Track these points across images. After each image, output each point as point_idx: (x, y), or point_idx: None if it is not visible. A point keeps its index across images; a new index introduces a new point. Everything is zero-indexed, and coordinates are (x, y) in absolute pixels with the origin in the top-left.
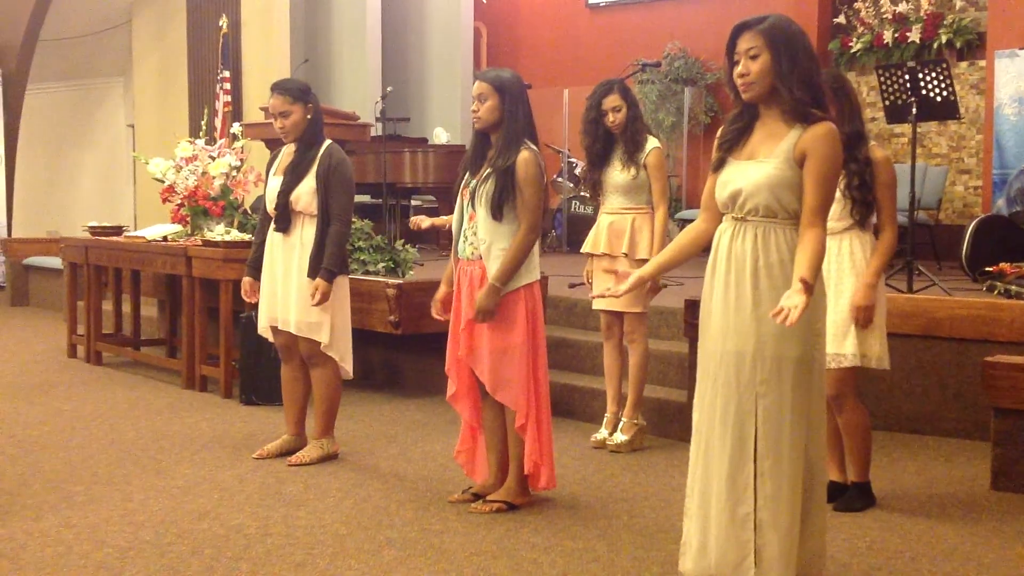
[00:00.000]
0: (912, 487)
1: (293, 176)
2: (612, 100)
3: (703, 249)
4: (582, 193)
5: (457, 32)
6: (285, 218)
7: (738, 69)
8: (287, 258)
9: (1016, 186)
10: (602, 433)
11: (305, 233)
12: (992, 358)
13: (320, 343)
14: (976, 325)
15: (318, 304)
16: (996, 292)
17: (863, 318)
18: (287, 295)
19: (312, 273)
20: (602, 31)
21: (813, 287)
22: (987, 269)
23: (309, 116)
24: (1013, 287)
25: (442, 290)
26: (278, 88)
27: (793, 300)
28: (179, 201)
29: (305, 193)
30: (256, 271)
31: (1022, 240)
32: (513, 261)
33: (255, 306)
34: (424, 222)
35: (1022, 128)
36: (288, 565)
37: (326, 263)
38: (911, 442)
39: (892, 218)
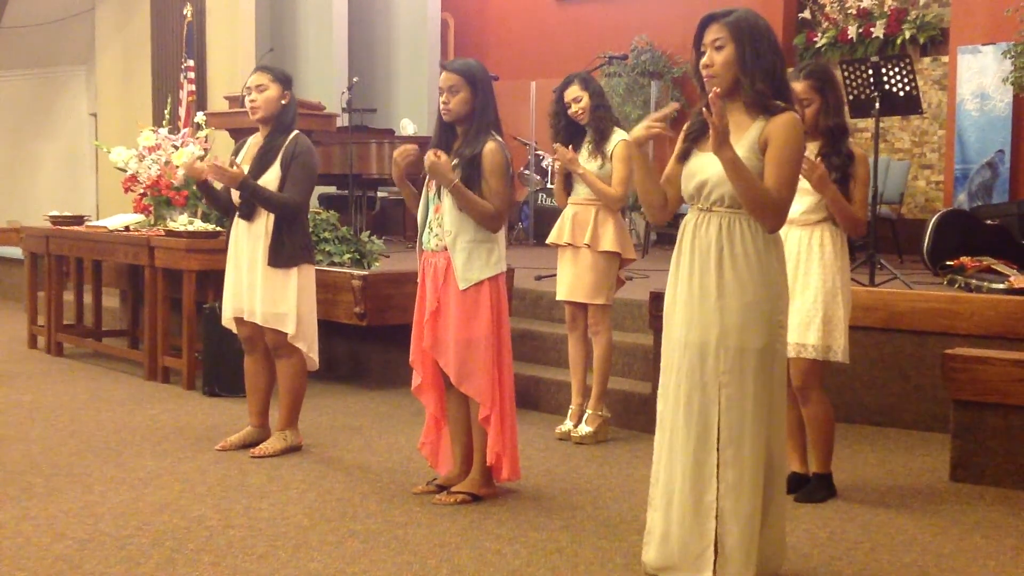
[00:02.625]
0: (872, 478)
1: (259, 164)
2: (571, 91)
3: (659, 202)
4: (548, 186)
5: (424, 23)
6: (250, 206)
7: (704, 60)
8: (252, 248)
9: (977, 181)
10: (567, 425)
11: (270, 222)
12: (952, 351)
13: (286, 334)
14: (936, 318)
15: (208, 170)
16: (957, 286)
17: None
18: (252, 286)
19: (273, 261)
20: (570, 24)
21: (736, 160)
22: (948, 263)
23: (284, 102)
24: (973, 281)
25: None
26: (262, 67)
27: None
28: (141, 191)
29: (270, 182)
30: (210, 189)
31: (983, 234)
32: (474, 207)
33: (219, 296)
34: (411, 149)
35: (984, 123)
36: (250, 557)
37: (261, 188)
38: (872, 434)
39: (864, 216)
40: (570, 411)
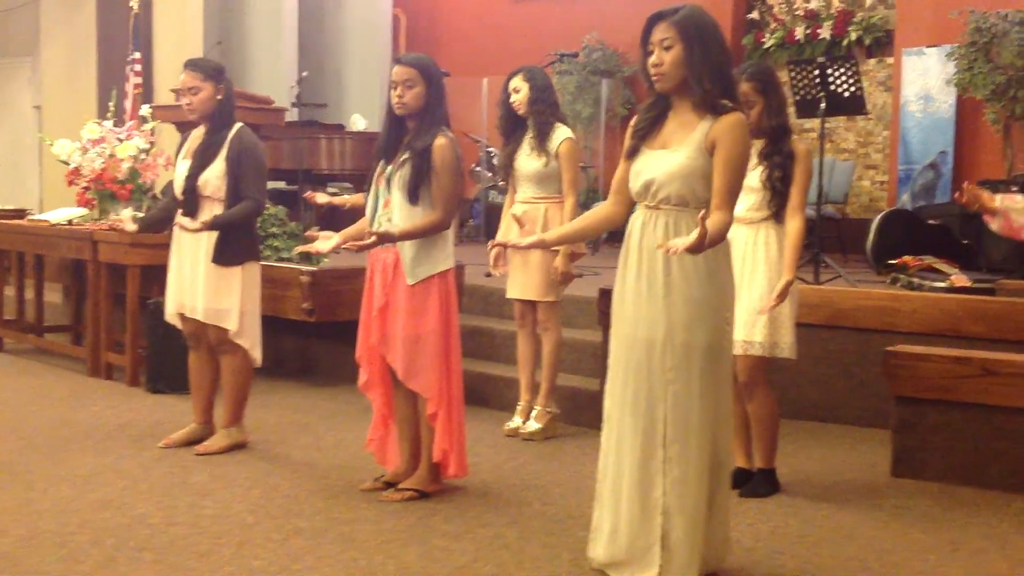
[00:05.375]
0: (815, 473)
1: (201, 160)
2: (513, 82)
3: (607, 230)
4: (499, 183)
5: (376, 18)
6: (193, 202)
7: (652, 59)
8: (195, 244)
9: (920, 181)
10: (515, 421)
11: None
12: (894, 348)
13: (229, 331)
14: (879, 316)
15: (191, 229)
16: (899, 284)
17: (773, 304)
18: (195, 282)
19: (218, 259)
20: (522, 21)
21: (705, 239)
22: (891, 262)
23: (220, 97)
24: (915, 279)
25: (334, 237)
26: (190, 65)
27: (684, 240)
28: (85, 184)
29: (214, 177)
30: (142, 222)
31: (925, 234)
32: (419, 229)
33: (163, 292)
34: (320, 198)
35: (927, 125)
36: (193, 555)
37: (220, 215)
38: (816, 430)
39: (802, 205)
40: (519, 407)
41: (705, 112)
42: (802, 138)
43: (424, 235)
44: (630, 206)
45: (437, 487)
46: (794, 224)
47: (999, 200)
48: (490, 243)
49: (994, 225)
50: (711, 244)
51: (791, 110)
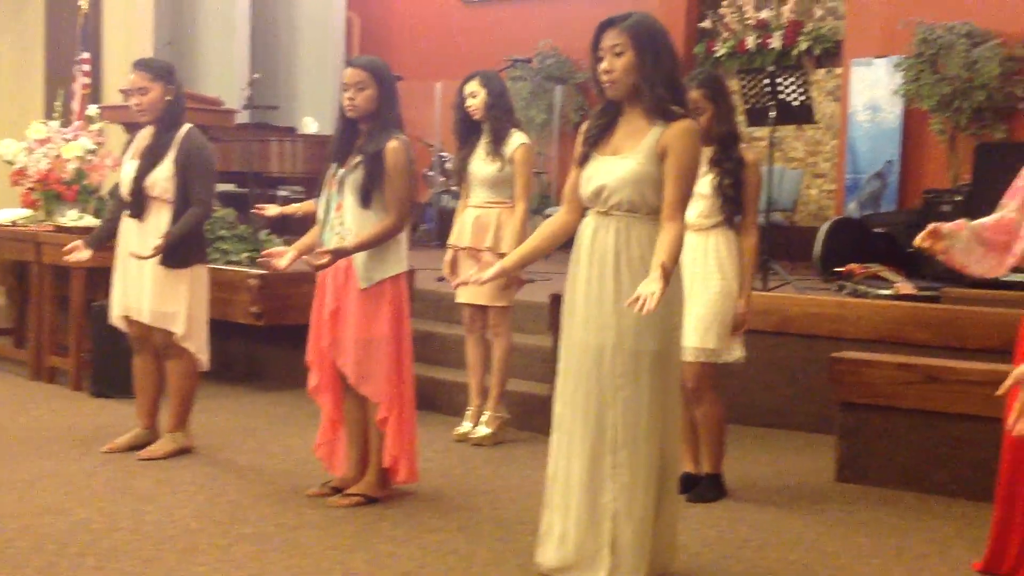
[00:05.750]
0: (762, 478)
1: (149, 160)
2: (470, 86)
3: (564, 241)
4: (452, 187)
5: (329, 21)
6: (139, 203)
7: (603, 65)
8: (141, 245)
9: (867, 190)
10: (465, 426)
11: (160, 220)
12: (839, 354)
13: (175, 334)
14: (826, 323)
15: (145, 256)
16: (845, 291)
17: (747, 324)
18: (140, 284)
19: (165, 261)
20: (476, 26)
21: (671, 274)
22: (838, 269)
23: (169, 98)
24: (861, 287)
25: (290, 251)
26: (140, 65)
27: (650, 287)
28: (30, 185)
29: (162, 179)
30: (93, 242)
31: (872, 242)
32: (373, 238)
33: (108, 295)
34: (270, 211)
35: (875, 134)
36: (136, 560)
37: (173, 229)
38: (763, 435)
39: (755, 222)
40: (468, 412)
41: (656, 118)
42: (751, 146)
43: (379, 242)
44: (583, 213)
45: (385, 492)
46: (750, 242)
47: (946, 231)
48: (453, 284)
49: (941, 257)
50: (675, 258)
51: (741, 118)
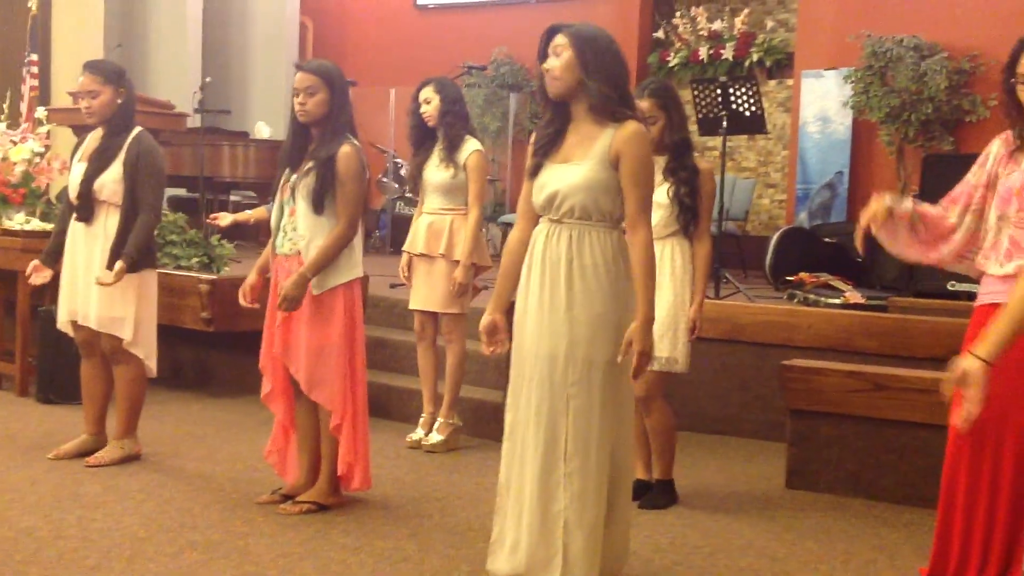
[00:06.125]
0: (713, 485)
1: (98, 163)
2: (424, 92)
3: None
4: (407, 194)
5: (282, 25)
6: (88, 207)
7: (544, 64)
8: (89, 249)
9: (817, 200)
10: (418, 433)
11: (109, 223)
12: (789, 362)
13: (123, 339)
14: (776, 331)
15: (111, 283)
16: (796, 300)
17: (699, 329)
18: (88, 288)
19: (113, 265)
20: (430, 32)
21: (653, 318)
22: (788, 278)
23: (120, 101)
24: (811, 295)
25: (252, 277)
26: (90, 67)
27: (638, 344)
28: None
29: (110, 182)
30: (50, 258)
31: (822, 252)
32: (327, 254)
33: (55, 299)
34: (223, 220)
35: (824, 145)
36: (81, 569)
37: (129, 248)
38: (713, 442)
39: (708, 229)
40: (421, 419)
41: (605, 120)
42: (705, 156)
43: (334, 254)
44: (536, 220)
45: (336, 500)
46: (703, 250)
47: (896, 215)
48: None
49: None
50: (652, 283)
51: (693, 128)
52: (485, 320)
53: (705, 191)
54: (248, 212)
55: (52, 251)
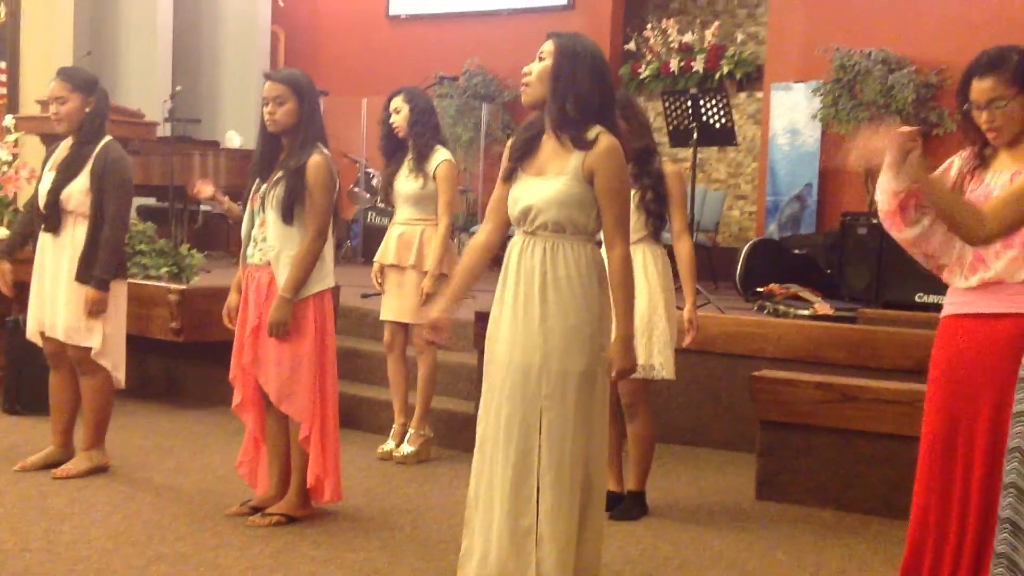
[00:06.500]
0: (684, 496)
1: (66, 173)
2: (394, 102)
3: (491, 257)
4: (379, 204)
5: (253, 35)
6: (55, 217)
7: (526, 67)
8: (56, 260)
9: (787, 212)
10: (389, 444)
11: (76, 234)
12: (759, 373)
13: (91, 350)
14: (746, 342)
15: (92, 315)
16: (766, 311)
17: (695, 330)
18: (55, 299)
19: (81, 277)
20: (402, 43)
21: (632, 335)
22: (758, 289)
23: (88, 109)
24: (781, 306)
25: (232, 297)
26: (61, 73)
27: (619, 363)
28: None
29: (77, 192)
30: (6, 253)
31: (791, 263)
32: (300, 269)
33: (23, 310)
34: (206, 190)
35: (794, 157)
36: None
37: (98, 271)
38: (684, 453)
39: (685, 228)
40: (392, 431)
41: (561, 135)
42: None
43: (308, 268)
44: (505, 228)
45: (306, 512)
46: (684, 247)
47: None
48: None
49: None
50: (631, 302)
51: (664, 139)
52: (432, 315)
53: (674, 192)
54: (228, 200)
55: (9, 246)
